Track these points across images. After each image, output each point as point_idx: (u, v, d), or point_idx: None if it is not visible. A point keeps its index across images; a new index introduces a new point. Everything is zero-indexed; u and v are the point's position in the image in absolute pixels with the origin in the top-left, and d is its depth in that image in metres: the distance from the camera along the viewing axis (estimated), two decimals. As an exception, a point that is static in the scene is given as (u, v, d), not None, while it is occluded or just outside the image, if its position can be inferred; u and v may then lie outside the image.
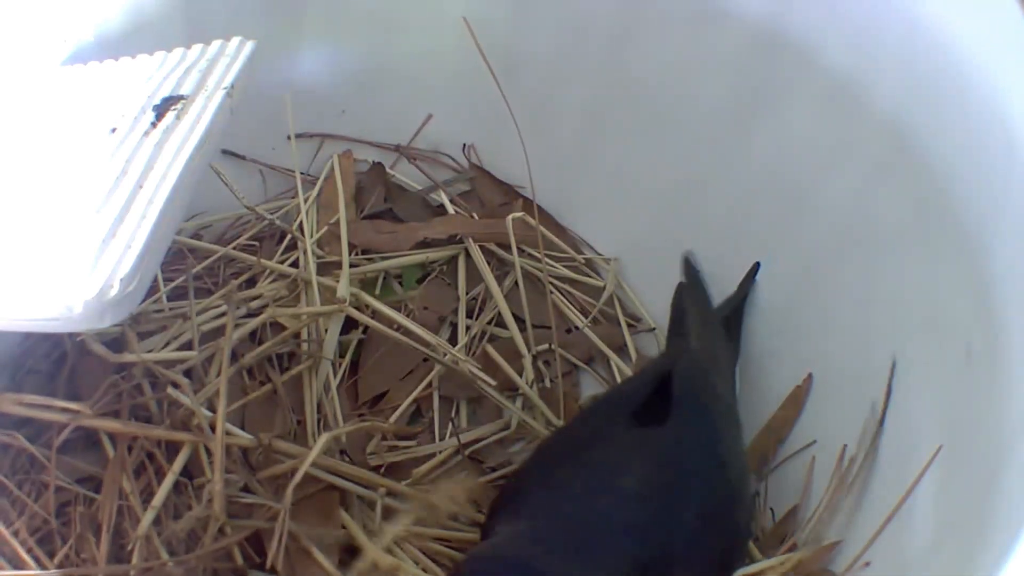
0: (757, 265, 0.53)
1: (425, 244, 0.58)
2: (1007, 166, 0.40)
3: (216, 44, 0.44)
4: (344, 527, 0.46)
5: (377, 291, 0.56)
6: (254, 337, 0.52)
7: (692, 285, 0.52)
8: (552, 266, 0.58)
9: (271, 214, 0.57)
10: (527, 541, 0.37)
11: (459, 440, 0.51)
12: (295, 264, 0.55)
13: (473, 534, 0.48)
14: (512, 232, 0.57)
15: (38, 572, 0.41)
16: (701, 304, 0.51)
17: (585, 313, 0.58)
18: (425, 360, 0.54)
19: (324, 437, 0.45)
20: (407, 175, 0.61)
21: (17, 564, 0.42)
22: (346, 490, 0.47)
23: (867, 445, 0.45)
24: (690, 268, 0.53)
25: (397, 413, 0.52)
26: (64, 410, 0.44)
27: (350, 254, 0.56)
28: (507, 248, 0.58)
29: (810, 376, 0.50)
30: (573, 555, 0.37)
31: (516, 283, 0.58)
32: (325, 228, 0.57)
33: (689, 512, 0.40)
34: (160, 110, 0.41)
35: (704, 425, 0.43)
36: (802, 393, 0.50)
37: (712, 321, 0.50)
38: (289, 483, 0.43)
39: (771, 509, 0.49)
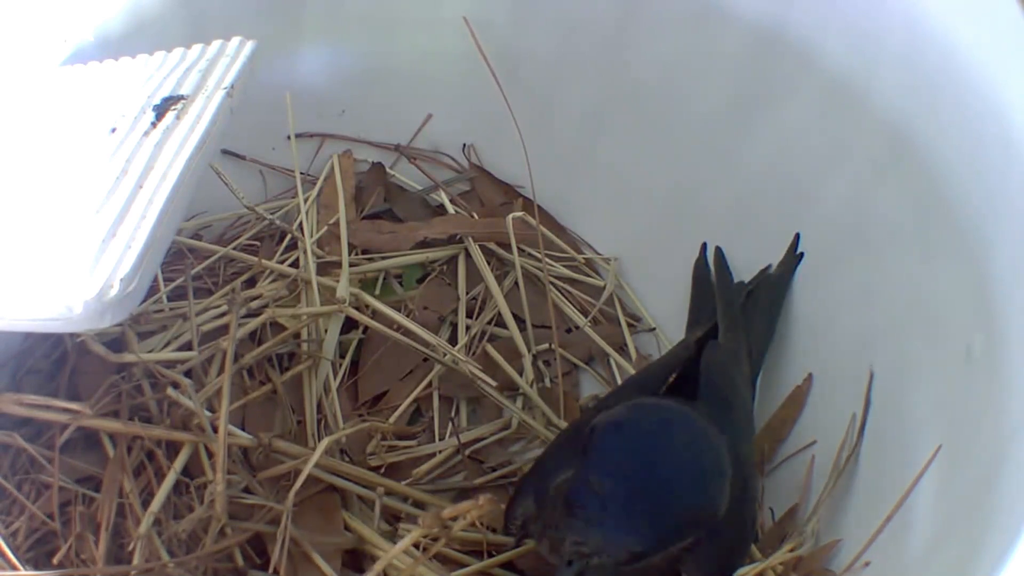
0: (796, 237, 0.51)
1: (425, 244, 0.58)
2: (1006, 166, 0.40)
3: (216, 44, 0.44)
4: (350, 530, 0.46)
5: (377, 291, 0.56)
6: (254, 337, 0.52)
7: (720, 275, 0.52)
8: (552, 265, 0.58)
9: (271, 214, 0.57)
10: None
11: (459, 440, 0.51)
12: (295, 264, 0.55)
13: (471, 533, 0.48)
14: (512, 231, 0.57)
15: (38, 572, 0.41)
16: (728, 297, 0.51)
17: (585, 313, 0.58)
18: (425, 360, 0.54)
19: (326, 440, 0.45)
20: (407, 175, 0.61)
21: (16, 564, 0.42)
22: (346, 490, 0.47)
23: (851, 445, 0.45)
24: (719, 258, 0.53)
25: (397, 413, 0.52)
26: (64, 410, 0.44)
27: (350, 254, 0.56)
28: (507, 248, 0.58)
29: (810, 376, 0.50)
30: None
31: (516, 283, 0.58)
32: (325, 228, 0.57)
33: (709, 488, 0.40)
34: (160, 110, 0.41)
35: (726, 420, 0.44)
36: (802, 393, 0.50)
37: (737, 315, 0.50)
38: (290, 484, 0.43)
39: (771, 509, 0.49)
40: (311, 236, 0.56)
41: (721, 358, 0.47)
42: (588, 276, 0.59)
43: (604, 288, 0.59)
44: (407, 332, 0.53)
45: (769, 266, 0.52)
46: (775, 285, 0.52)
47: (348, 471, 0.47)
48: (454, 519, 0.38)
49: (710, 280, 0.53)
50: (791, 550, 0.45)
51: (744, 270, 0.53)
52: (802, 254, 0.51)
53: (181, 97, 0.41)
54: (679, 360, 0.47)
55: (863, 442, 0.46)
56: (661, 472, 0.36)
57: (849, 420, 0.46)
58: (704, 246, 0.54)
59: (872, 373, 0.46)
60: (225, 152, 0.57)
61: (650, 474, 0.36)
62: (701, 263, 0.54)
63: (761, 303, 0.51)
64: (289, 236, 0.56)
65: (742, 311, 0.50)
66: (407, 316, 0.54)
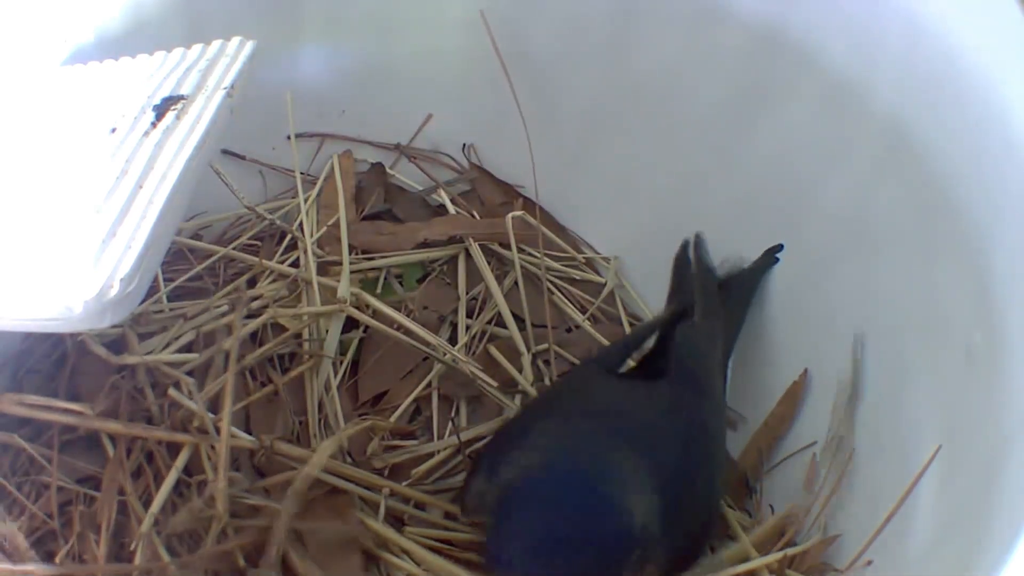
0: (780, 247, 0.52)
1: (425, 245, 0.58)
2: (1006, 166, 0.40)
3: (216, 44, 0.44)
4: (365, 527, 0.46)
5: (378, 291, 0.56)
6: (255, 338, 0.52)
7: (700, 259, 0.52)
8: (551, 264, 0.58)
9: (271, 214, 0.57)
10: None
11: (459, 440, 0.51)
12: (295, 264, 0.55)
13: (471, 533, 0.48)
14: (512, 230, 0.57)
15: (40, 565, 0.41)
16: (707, 280, 0.51)
17: (586, 312, 0.58)
18: (425, 359, 0.54)
19: (328, 444, 0.45)
20: (407, 175, 0.61)
21: (17, 563, 0.42)
22: (349, 492, 0.47)
23: (839, 438, 0.46)
24: (699, 244, 0.53)
25: (398, 412, 0.52)
26: (65, 411, 0.44)
27: (350, 255, 0.56)
28: (508, 247, 0.58)
29: (806, 372, 0.50)
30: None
31: (516, 282, 0.58)
32: (325, 228, 0.57)
33: (674, 471, 0.41)
34: (160, 110, 0.41)
35: (697, 404, 0.44)
36: (799, 389, 0.50)
37: (715, 302, 0.50)
38: (291, 488, 0.43)
39: (771, 506, 0.49)
40: (311, 236, 0.56)
41: (697, 339, 0.47)
42: (589, 275, 0.59)
43: (605, 286, 0.59)
44: (407, 332, 0.53)
45: (742, 259, 0.52)
46: (751, 278, 0.52)
47: (351, 473, 0.47)
48: None
49: (690, 269, 0.53)
50: (789, 545, 0.45)
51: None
52: (778, 259, 0.52)
53: (181, 97, 0.41)
54: (642, 337, 0.48)
55: (863, 442, 0.46)
56: (563, 535, 0.36)
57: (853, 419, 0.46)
58: (685, 242, 0.54)
59: (859, 359, 0.46)
60: (225, 152, 0.57)
61: (551, 539, 0.36)
62: (682, 256, 0.54)
63: (736, 294, 0.51)
64: (289, 236, 0.56)
65: (720, 299, 0.50)
66: (407, 316, 0.54)
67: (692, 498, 0.42)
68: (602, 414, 0.43)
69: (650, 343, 0.50)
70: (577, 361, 0.56)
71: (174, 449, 0.46)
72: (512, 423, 0.47)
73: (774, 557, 0.44)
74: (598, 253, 0.60)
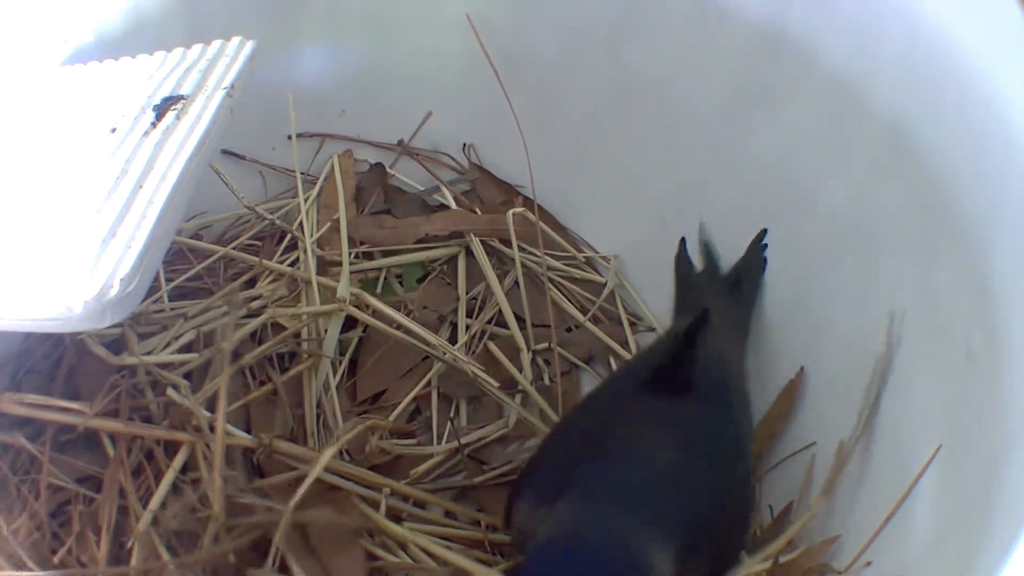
0: (763, 232, 0.52)
1: (426, 239, 0.58)
2: (1006, 166, 0.40)
3: (216, 44, 0.44)
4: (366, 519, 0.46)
5: (378, 290, 0.56)
6: (254, 337, 0.52)
7: (708, 263, 0.52)
8: (552, 263, 0.58)
9: (271, 214, 0.57)
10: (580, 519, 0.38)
11: (459, 440, 0.51)
12: (295, 264, 0.55)
13: (472, 531, 0.48)
14: (512, 226, 0.57)
15: (38, 572, 0.41)
16: (715, 278, 0.51)
17: (586, 312, 0.58)
18: (425, 359, 0.54)
19: (331, 448, 0.45)
20: (407, 175, 0.61)
21: (17, 563, 0.42)
22: (347, 490, 0.47)
23: (851, 443, 0.45)
24: (706, 246, 0.53)
25: (397, 411, 0.52)
26: (65, 410, 0.44)
27: (351, 250, 0.56)
28: (508, 244, 0.58)
29: (802, 370, 0.50)
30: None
31: (516, 281, 0.58)
32: (326, 227, 0.57)
33: (704, 496, 0.41)
34: (160, 110, 0.41)
35: (725, 410, 0.44)
36: (795, 388, 0.50)
37: (726, 299, 0.50)
38: (291, 487, 0.43)
39: (770, 507, 0.49)
40: (311, 236, 0.56)
41: (719, 349, 0.46)
42: (590, 274, 0.59)
43: (605, 286, 0.59)
44: (407, 331, 0.53)
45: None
46: (749, 267, 0.52)
47: (351, 472, 0.47)
48: None
49: (693, 272, 0.53)
50: (788, 545, 0.45)
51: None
52: (766, 244, 0.52)
53: (181, 97, 0.41)
54: (667, 352, 0.47)
55: (863, 441, 0.46)
56: None
57: (849, 420, 0.46)
58: (683, 240, 0.54)
59: (888, 362, 0.46)
60: (225, 152, 0.57)
61: None
62: (681, 257, 0.54)
63: (741, 285, 0.51)
64: (289, 236, 0.56)
65: (730, 298, 0.50)
66: (407, 315, 0.54)
67: (718, 531, 0.42)
68: (633, 442, 0.42)
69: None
70: (577, 361, 0.56)
71: (173, 448, 0.46)
72: (550, 445, 0.47)
73: (763, 567, 0.44)
74: (597, 253, 0.60)
